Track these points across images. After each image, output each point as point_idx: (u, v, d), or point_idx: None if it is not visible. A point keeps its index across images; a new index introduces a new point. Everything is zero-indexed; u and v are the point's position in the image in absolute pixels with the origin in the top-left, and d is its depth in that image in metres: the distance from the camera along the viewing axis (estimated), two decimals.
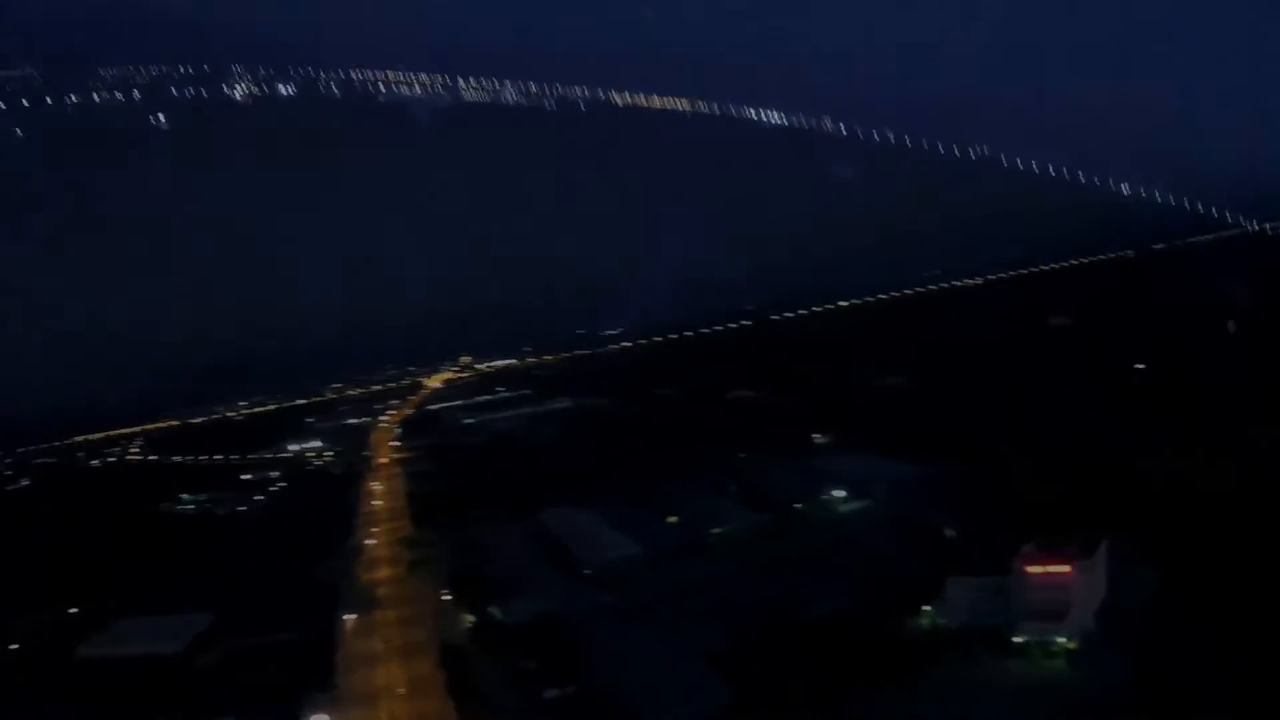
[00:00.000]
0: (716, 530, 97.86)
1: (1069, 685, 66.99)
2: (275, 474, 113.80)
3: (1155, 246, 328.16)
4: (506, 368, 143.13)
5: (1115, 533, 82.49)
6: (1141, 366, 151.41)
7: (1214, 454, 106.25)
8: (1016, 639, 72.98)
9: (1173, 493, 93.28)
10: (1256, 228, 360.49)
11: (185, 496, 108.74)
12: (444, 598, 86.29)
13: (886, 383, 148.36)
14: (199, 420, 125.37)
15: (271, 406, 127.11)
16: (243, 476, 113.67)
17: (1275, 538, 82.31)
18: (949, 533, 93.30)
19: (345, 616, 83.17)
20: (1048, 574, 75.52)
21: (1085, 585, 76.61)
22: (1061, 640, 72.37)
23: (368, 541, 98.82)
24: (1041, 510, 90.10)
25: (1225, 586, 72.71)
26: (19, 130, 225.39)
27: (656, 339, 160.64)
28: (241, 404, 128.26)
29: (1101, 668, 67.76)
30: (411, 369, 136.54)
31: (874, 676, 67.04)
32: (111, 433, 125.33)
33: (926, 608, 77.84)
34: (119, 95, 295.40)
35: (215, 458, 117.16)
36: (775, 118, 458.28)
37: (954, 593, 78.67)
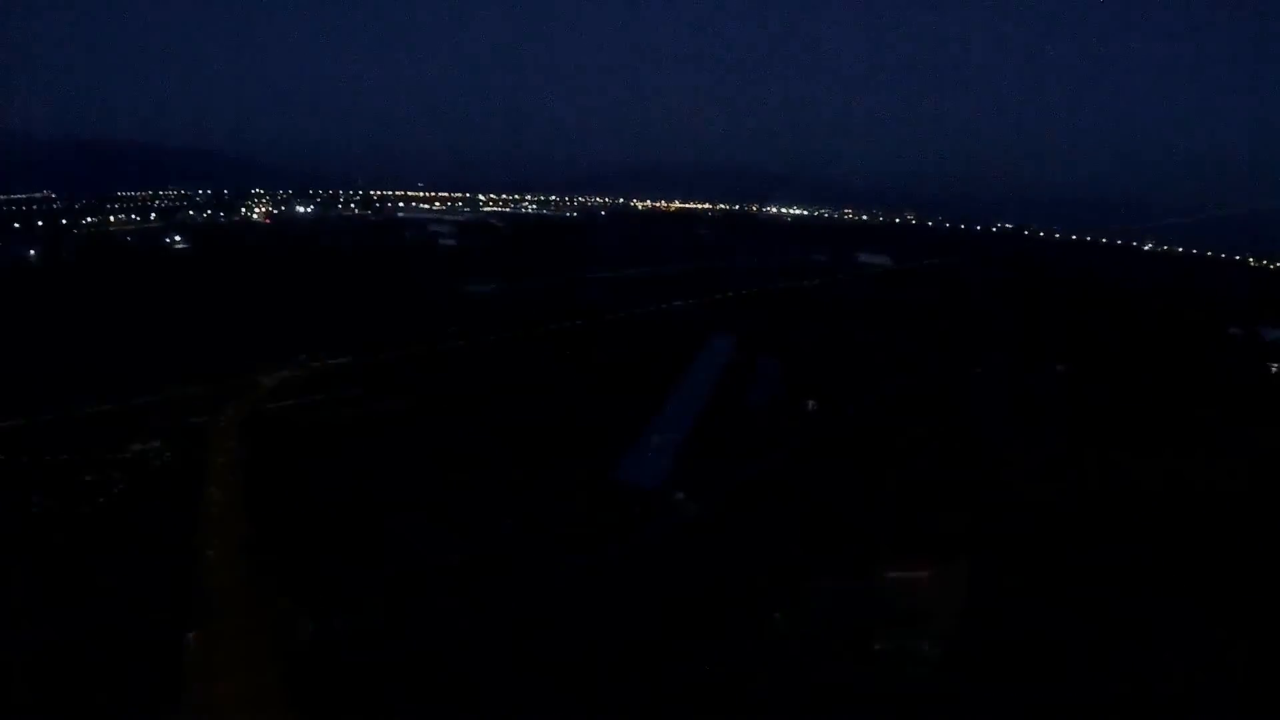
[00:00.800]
0: (559, 530, 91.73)
1: (933, 694, 62.87)
2: (117, 475, 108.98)
3: None
4: (344, 365, 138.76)
5: (973, 534, 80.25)
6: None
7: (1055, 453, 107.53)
8: (876, 646, 67.32)
9: (1027, 494, 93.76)
10: None
11: (35, 499, 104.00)
12: (288, 603, 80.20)
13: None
14: (44, 420, 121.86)
15: (112, 406, 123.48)
16: (85, 478, 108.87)
17: (1134, 532, 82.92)
18: (798, 532, 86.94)
19: (191, 626, 77.01)
20: (907, 578, 70.26)
21: (946, 589, 71.01)
22: (924, 647, 67.12)
23: (208, 550, 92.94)
24: (891, 512, 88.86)
25: (1086, 583, 72.47)
26: (31, 252, 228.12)
27: (490, 336, 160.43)
28: (84, 403, 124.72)
29: (967, 673, 63.61)
30: (249, 368, 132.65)
31: (723, 690, 62.34)
32: None
33: (777, 615, 71.63)
34: (135, 217, 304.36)
35: (60, 457, 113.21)
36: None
37: (805, 598, 72.78)
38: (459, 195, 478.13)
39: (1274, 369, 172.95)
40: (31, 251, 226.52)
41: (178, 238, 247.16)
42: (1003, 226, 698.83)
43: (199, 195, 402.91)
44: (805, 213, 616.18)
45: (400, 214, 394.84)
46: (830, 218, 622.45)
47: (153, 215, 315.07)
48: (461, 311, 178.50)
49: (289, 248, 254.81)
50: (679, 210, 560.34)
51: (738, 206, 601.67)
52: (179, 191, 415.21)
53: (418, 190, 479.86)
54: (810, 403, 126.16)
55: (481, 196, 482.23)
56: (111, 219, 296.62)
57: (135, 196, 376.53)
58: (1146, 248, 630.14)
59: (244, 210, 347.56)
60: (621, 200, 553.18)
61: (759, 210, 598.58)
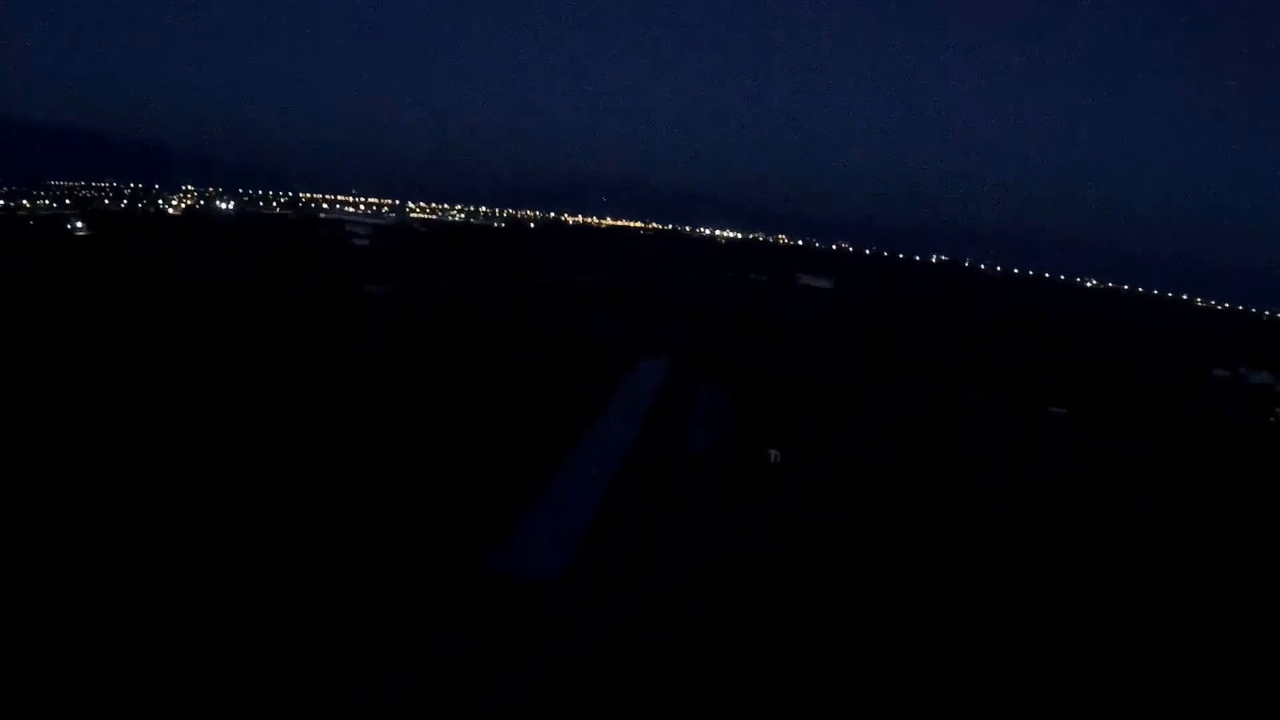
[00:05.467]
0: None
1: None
2: None
3: None
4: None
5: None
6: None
7: None
8: None
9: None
10: None
11: None
12: None
13: None
14: None
15: None
16: None
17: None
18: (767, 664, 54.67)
19: None
20: None
21: None
22: None
23: None
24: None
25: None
26: None
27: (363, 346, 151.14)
28: None
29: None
30: None
31: None
32: None
33: None
34: (52, 204, 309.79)
35: None
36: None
37: None
38: (387, 201, 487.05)
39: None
40: None
41: (79, 224, 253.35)
42: (939, 258, 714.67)
43: (128, 187, 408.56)
44: (739, 235, 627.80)
45: (321, 215, 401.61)
46: (765, 241, 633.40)
47: (67, 201, 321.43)
48: (344, 314, 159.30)
49: (186, 238, 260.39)
50: (610, 227, 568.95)
51: (670, 226, 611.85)
52: (111, 183, 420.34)
53: (349, 195, 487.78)
54: (774, 453, 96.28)
55: (410, 204, 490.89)
56: (25, 202, 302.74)
57: (64, 185, 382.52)
58: (1090, 284, 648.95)
59: (159, 202, 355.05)
60: (553, 214, 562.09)
61: (692, 230, 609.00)
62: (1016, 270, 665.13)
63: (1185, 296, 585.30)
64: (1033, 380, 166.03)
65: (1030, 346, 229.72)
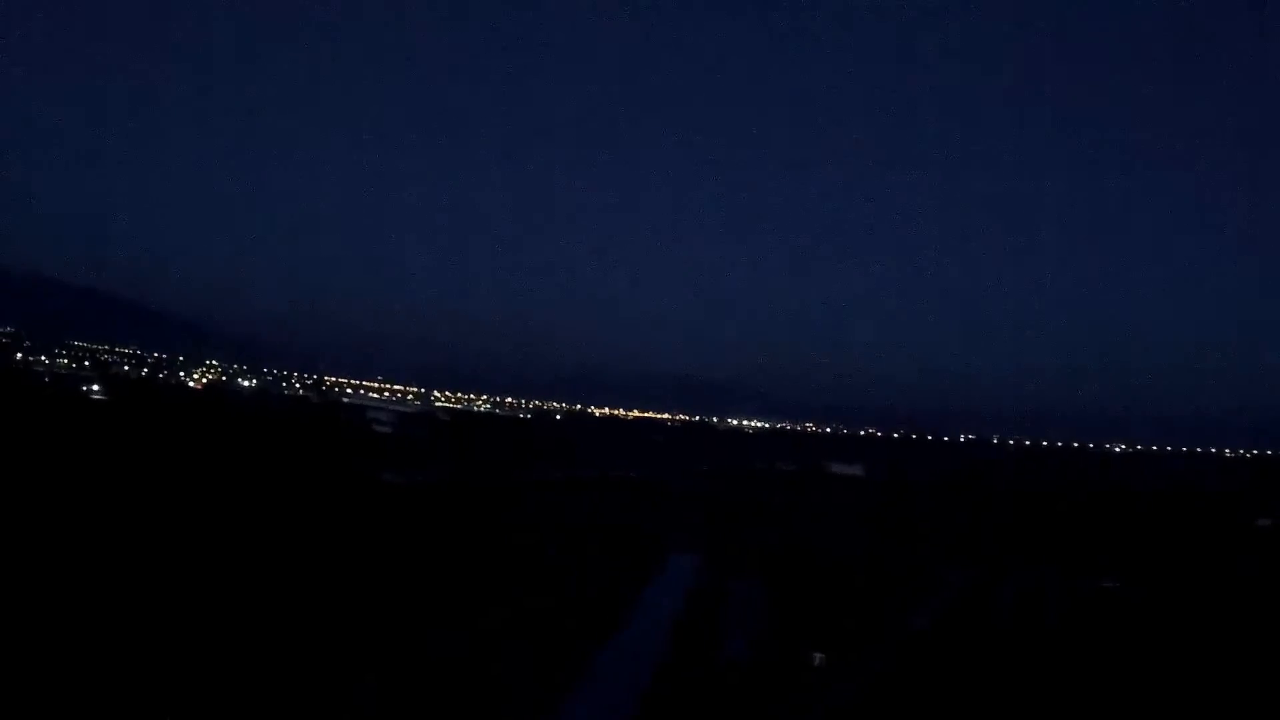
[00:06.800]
0: None
1: None
2: None
3: None
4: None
5: None
6: None
7: None
8: None
9: None
10: None
11: None
12: None
13: None
14: None
15: None
16: None
17: None
18: None
19: None
20: None
21: None
22: None
23: None
24: None
25: None
26: None
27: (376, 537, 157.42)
28: None
29: None
30: None
31: None
32: None
33: None
34: (70, 364, 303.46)
35: None
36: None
37: None
38: (413, 390, 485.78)
39: None
40: None
41: (95, 387, 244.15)
42: (967, 437, 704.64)
43: (151, 356, 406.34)
44: (766, 425, 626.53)
45: (344, 399, 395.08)
46: (792, 430, 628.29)
47: (87, 363, 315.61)
48: (360, 501, 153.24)
49: (202, 412, 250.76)
50: (637, 418, 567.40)
51: (698, 417, 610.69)
52: (135, 350, 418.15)
53: (375, 380, 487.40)
54: (818, 656, 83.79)
55: (436, 392, 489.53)
56: (44, 358, 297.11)
57: (86, 346, 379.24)
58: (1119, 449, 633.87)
59: (181, 374, 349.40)
60: (579, 406, 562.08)
61: (720, 421, 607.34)
62: (1045, 443, 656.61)
63: (1214, 450, 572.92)
64: (1081, 553, 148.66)
65: (1071, 517, 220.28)
